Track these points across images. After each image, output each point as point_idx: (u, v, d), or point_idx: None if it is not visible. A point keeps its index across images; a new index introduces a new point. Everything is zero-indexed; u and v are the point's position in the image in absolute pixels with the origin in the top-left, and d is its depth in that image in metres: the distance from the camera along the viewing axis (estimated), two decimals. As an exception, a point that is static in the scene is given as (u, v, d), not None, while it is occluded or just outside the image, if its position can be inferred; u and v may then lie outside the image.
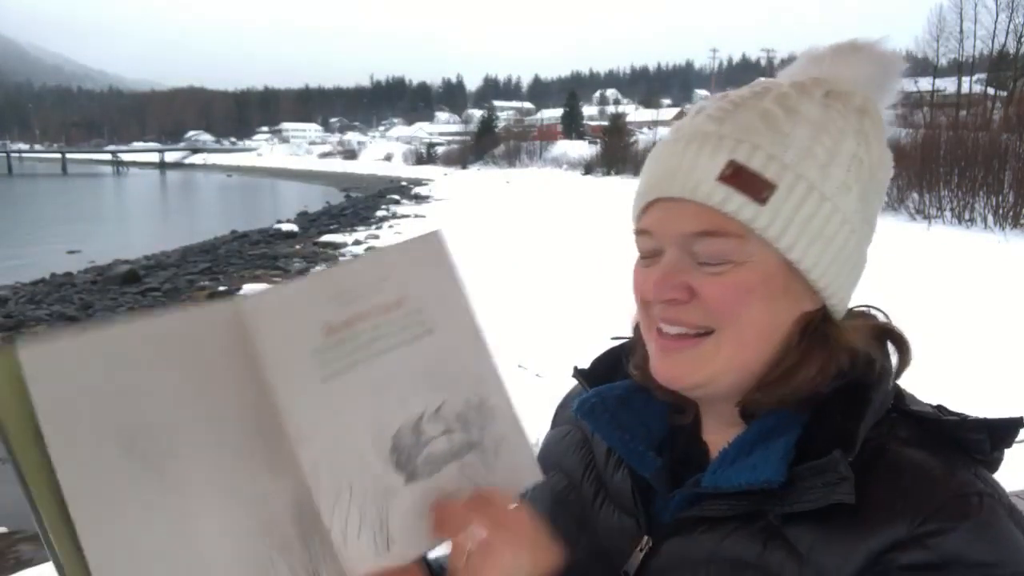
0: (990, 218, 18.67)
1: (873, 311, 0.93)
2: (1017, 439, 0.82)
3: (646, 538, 0.89)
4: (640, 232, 0.90)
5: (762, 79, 0.95)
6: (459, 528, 0.77)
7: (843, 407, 0.82)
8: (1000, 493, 0.76)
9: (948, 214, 19.66)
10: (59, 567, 0.62)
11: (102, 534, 0.64)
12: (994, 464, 0.80)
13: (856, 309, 0.92)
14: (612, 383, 1.01)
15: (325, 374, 0.81)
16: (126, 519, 0.66)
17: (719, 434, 0.93)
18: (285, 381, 0.80)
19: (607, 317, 1.00)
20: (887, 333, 0.90)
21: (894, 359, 0.88)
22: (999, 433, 0.79)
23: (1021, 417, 0.82)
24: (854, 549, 0.74)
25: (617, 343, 1.06)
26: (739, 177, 0.82)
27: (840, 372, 0.85)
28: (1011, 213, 18.28)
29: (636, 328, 0.99)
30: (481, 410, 0.86)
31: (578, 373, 1.06)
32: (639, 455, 0.94)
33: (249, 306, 0.80)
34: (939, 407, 0.85)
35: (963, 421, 0.80)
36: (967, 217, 19.18)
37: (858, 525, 0.75)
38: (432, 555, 0.99)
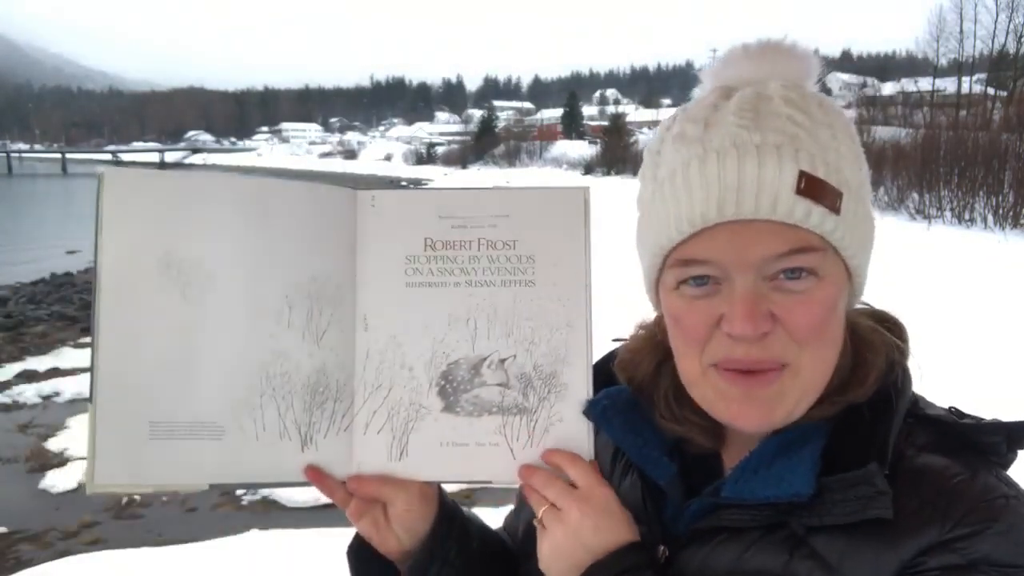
0: (990, 218, 18.63)
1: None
2: None
3: (662, 548, 0.86)
4: (691, 262, 0.80)
5: (714, 87, 0.87)
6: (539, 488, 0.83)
7: (871, 415, 0.80)
8: (1021, 493, 0.76)
9: (948, 214, 19.61)
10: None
11: (116, 316, 0.79)
12: (1007, 465, 0.79)
13: None
14: (620, 385, 0.96)
15: (410, 280, 0.86)
16: (140, 313, 0.80)
17: (735, 443, 0.90)
18: (372, 271, 0.86)
19: (606, 320, 0.99)
20: (881, 317, 0.89)
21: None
22: (1015, 435, 0.78)
23: None
24: (886, 560, 0.73)
25: (618, 345, 1.04)
26: (813, 188, 0.76)
27: (878, 376, 0.83)
28: (1011, 213, 18.23)
29: (633, 357, 0.95)
30: (549, 382, 0.86)
31: None
32: (653, 460, 0.90)
33: (365, 194, 0.88)
34: (952, 409, 0.84)
35: (980, 424, 0.79)
36: (967, 217, 19.14)
37: (889, 535, 0.73)
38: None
